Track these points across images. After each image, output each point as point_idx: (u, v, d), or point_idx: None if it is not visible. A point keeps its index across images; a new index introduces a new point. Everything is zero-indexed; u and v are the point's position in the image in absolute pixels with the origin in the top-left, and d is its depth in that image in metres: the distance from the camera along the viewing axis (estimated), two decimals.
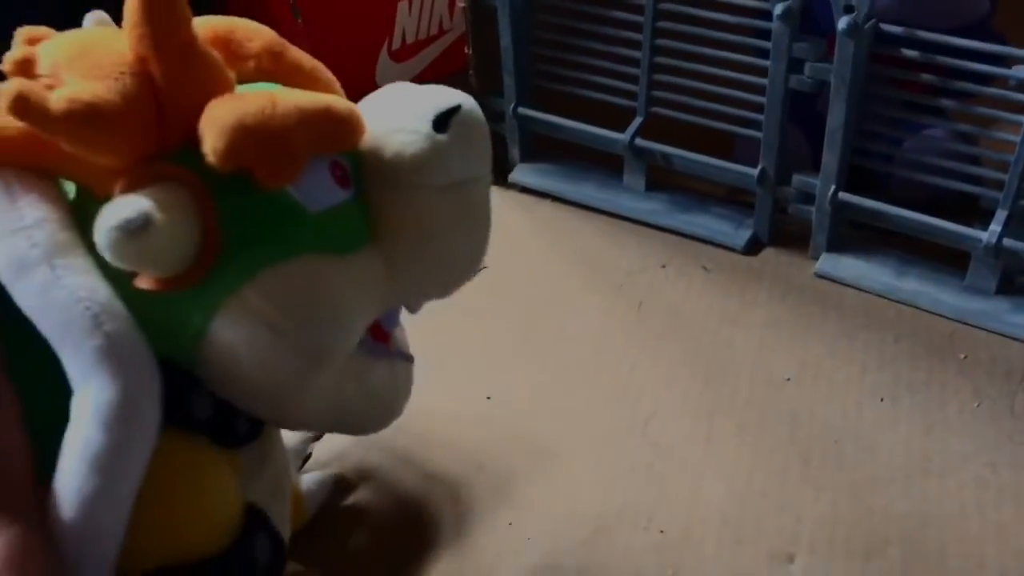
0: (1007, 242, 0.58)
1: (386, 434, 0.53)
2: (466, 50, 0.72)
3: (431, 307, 0.62)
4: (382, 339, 0.38)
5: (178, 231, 0.30)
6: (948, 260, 0.63)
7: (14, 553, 0.29)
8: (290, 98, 0.31)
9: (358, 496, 0.52)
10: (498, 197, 0.73)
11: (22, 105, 0.28)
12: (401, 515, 0.50)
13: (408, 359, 0.40)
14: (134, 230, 0.28)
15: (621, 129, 0.69)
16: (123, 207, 0.28)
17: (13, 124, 0.30)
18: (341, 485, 0.52)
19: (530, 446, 0.54)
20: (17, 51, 0.30)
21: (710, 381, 0.57)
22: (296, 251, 0.32)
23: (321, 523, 0.50)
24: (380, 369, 0.38)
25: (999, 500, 0.50)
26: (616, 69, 0.68)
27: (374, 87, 0.88)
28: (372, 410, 0.38)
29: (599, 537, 0.49)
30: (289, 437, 0.50)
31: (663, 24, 0.65)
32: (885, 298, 0.62)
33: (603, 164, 0.72)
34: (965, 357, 0.58)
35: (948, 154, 0.61)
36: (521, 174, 0.74)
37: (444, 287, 0.37)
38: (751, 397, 0.56)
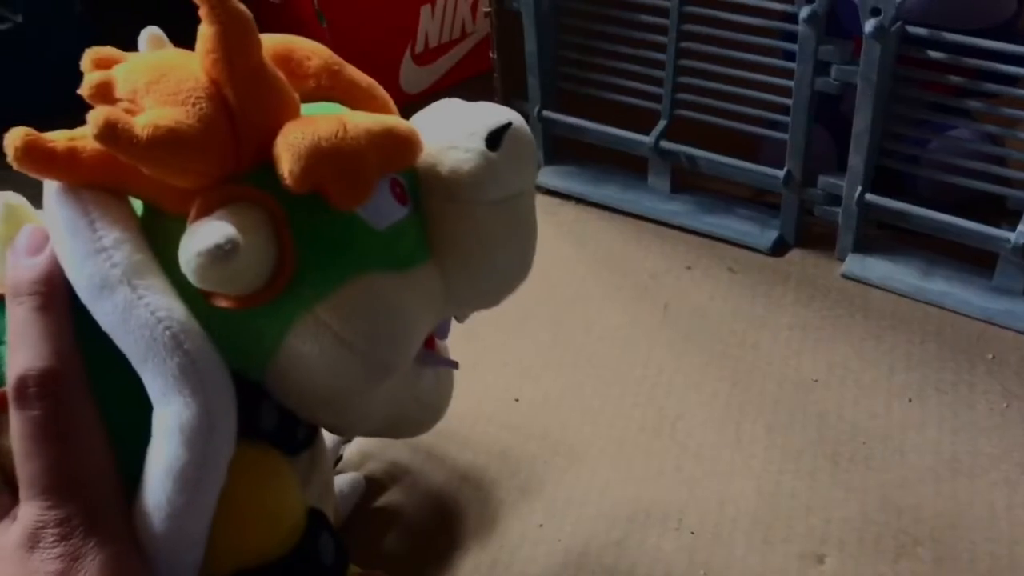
0: None
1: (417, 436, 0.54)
2: (491, 54, 0.72)
3: None
4: (430, 346, 0.39)
5: (258, 252, 0.30)
6: (975, 261, 0.63)
7: (114, 572, 0.30)
8: (359, 120, 0.32)
9: (389, 498, 0.52)
10: None
11: (111, 132, 0.29)
12: (432, 516, 0.51)
13: (453, 365, 0.41)
14: (222, 255, 0.29)
15: (646, 131, 0.69)
16: (211, 233, 0.29)
17: (89, 144, 0.31)
18: (372, 487, 0.52)
19: (559, 448, 0.54)
20: (96, 75, 0.31)
21: (737, 383, 0.58)
22: (364, 269, 0.33)
23: (353, 525, 0.50)
24: (428, 375, 0.39)
25: None
26: (641, 72, 0.68)
27: (398, 91, 0.89)
28: (420, 415, 0.40)
29: (630, 538, 0.49)
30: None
31: (688, 27, 0.65)
32: (912, 299, 0.63)
33: (627, 166, 0.73)
34: (993, 357, 0.58)
35: (974, 155, 0.61)
36: (545, 177, 0.74)
37: (496, 297, 0.38)
38: (779, 399, 0.57)
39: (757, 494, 0.51)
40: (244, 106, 0.31)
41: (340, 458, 0.54)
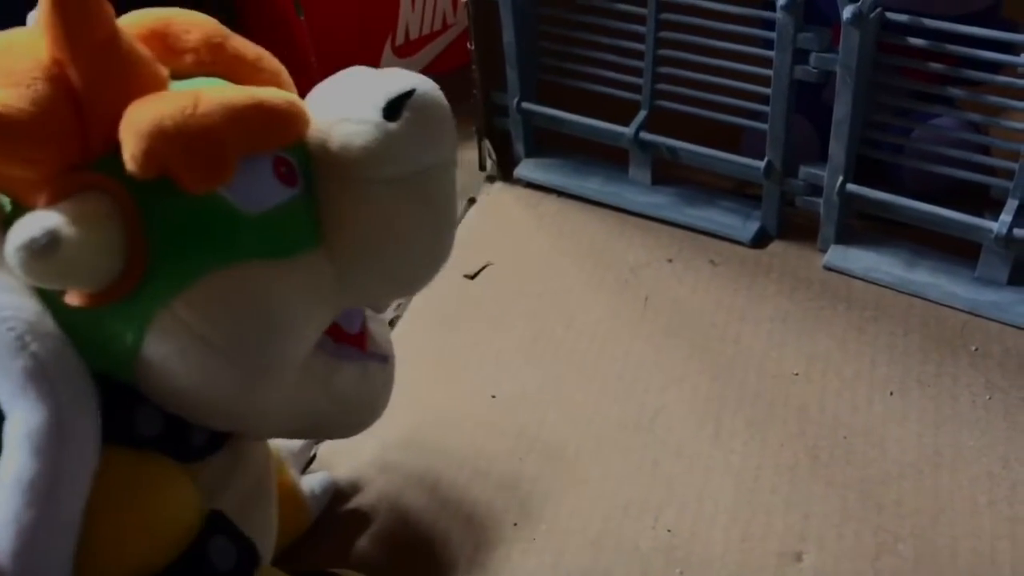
0: (1018, 232, 0.57)
1: (389, 434, 0.53)
2: (469, 45, 0.71)
3: (432, 303, 0.62)
4: (349, 341, 0.36)
5: (97, 243, 0.28)
6: (958, 251, 0.62)
7: None
8: (216, 95, 0.29)
9: (361, 498, 0.51)
10: (503, 192, 0.74)
11: None
12: (405, 517, 0.50)
13: (382, 359, 0.38)
14: (39, 249, 0.27)
15: (626, 123, 0.68)
16: (29, 225, 0.27)
17: None
18: (345, 487, 0.51)
19: (536, 444, 0.54)
20: None
21: (718, 376, 0.57)
22: (232, 258, 0.30)
23: (325, 527, 0.49)
24: (348, 371, 0.36)
25: (1011, 495, 0.49)
26: (620, 62, 0.67)
27: None
28: (346, 415, 0.37)
29: (607, 537, 0.48)
30: (292, 440, 0.50)
31: (666, 16, 0.64)
32: (895, 290, 0.62)
33: (608, 158, 0.72)
34: (976, 349, 0.57)
35: (957, 143, 0.60)
36: (526, 169, 0.73)
37: (406, 285, 0.35)
38: (759, 392, 0.56)
39: (736, 490, 0.50)
40: (90, 86, 0.28)
41: (313, 458, 0.53)
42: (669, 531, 0.48)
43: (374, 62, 0.85)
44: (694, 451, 0.52)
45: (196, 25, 0.33)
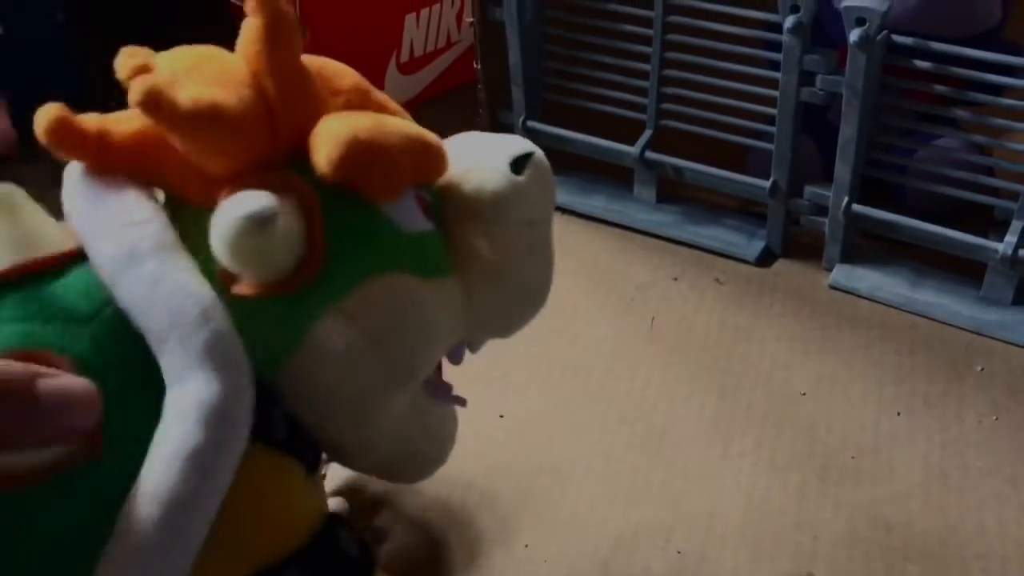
0: (1023, 253, 0.57)
1: None
2: (475, 64, 0.72)
3: None
4: (441, 381, 0.39)
5: (290, 234, 0.30)
6: (963, 271, 0.62)
7: None
8: (395, 123, 0.32)
9: (372, 517, 0.51)
10: None
11: (154, 100, 0.29)
12: (415, 538, 0.50)
13: (461, 403, 0.41)
14: (260, 222, 0.29)
15: (631, 142, 0.68)
16: (250, 200, 0.29)
17: (119, 129, 0.31)
18: (355, 509, 0.51)
19: (545, 465, 0.54)
20: (135, 58, 0.30)
21: (725, 397, 0.57)
22: (392, 267, 0.33)
23: None
24: (438, 409, 0.38)
25: (1019, 516, 0.49)
26: (625, 82, 0.68)
27: None
28: (428, 448, 0.38)
29: (616, 558, 0.48)
30: None
31: (672, 37, 0.65)
32: (900, 309, 0.62)
33: (613, 177, 0.72)
34: (982, 369, 0.58)
35: (961, 165, 0.60)
36: None
37: (512, 323, 0.38)
38: (767, 412, 0.56)
39: (745, 511, 0.50)
40: (282, 100, 0.31)
41: (324, 477, 0.53)
42: (679, 552, 0.48)
43: (378, 79, 0.86)
44: (703, 472, 0.53)
45: (347, 73, 0.35)
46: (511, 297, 0.36)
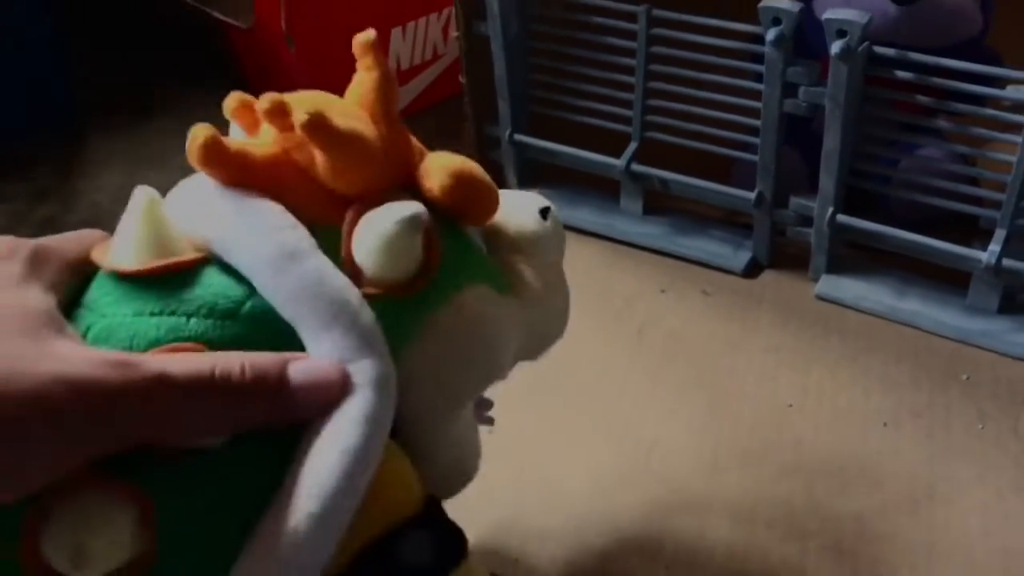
0: (1007, 262, 0.58)
1: None
2: (460, 78, 0.72)
3: None
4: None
5: (418, 242, 0.34)
6: (949, 280, 0.62)
7: None
8: (472, 164, 0.37)
9: None
10: None
11: (320, 121, 0.33)
12: None
13: (489, 422, 0.46)
14: (417, 223, 0.33)
15: (617, 154, 0.69)
16: (405, 207, 0.33)
17: (257, 151, 0.34)
18: None
19: (533, 478, 0.54)
20: (270, 97, 0.34)
21: (713, 409, 0.57)
22: (480, 279, 0.37)
23: None
24: (477, 429, 0.43)
25: (1005, 526, 0.49)
26: (611, 95, 0.68)
27: None
28: (472, 465, 0.42)
29: (605, 572, 0.48)
30: None
31: (657, 49, 0.65)
32: (886, 319, 0.62)
33: (600, 189, 0.72)
34: (968, 378, 0.58)
35: (945, 174, 0.60)
36: None
37: (544, 346, 0.43)
38: (754, 424, 0.56)
39: (732, 525, 0.50)
40: (391, 138, 0.36)
41: None
42: (667, 568, 0.49)
43: None
44: (690, 486, 0.53)
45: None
46: (548, 321, 0.41)
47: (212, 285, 0.33)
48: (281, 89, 0.39)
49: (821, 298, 0.64)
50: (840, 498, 0.51)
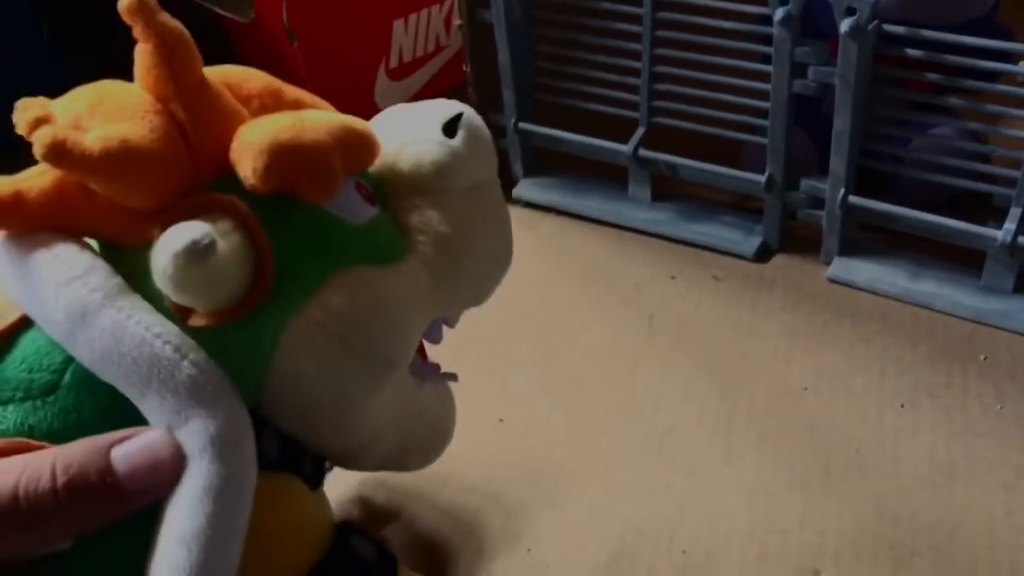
0: (1023, 240, 0.57)
1: None
2: (464, 67, 0.71)
3: None
4: (425, 358, 0.38)
5: (234, 257, 0.29)
6: (963, 260, 0.61)
7: None
8: (315, 117, 0.31)
9: (371, 525, 0.51)
10: None
11: (59, 150, 0.28)
12: (413, 546, 0.50)
13: (451, 378, 0.40)
14: (201, 251, 0.28)
15: (624, 140, 0.68)
16: (185, 231, 0.28)
17: (35, 186, 0.30)
18: (351, 521, 0.51)
19: (545, 469, 0.53)
20: (31, 110, 0.29)
21: (726, 394, 0.56)
22: (347, 263, 0.32)
23: None
24: (429, 390, 0.38)
25: None
26: (616, 80, 0.67)
27: (374, 107, 0.88)
28: (428, 434, 0.38)
29: (620, 561, 0.48)
30: None
31: (662, 33, 0.64)
32: (900, 301, 0.61)
33: (607, 176, 0.72)
34: (985, 358, 0.57)
35: (957, 153, 0.60)
36: (524, 189, 0.73)
37: (482, 290, 0.38)
38: (769, 409, 0.55)
39: (750, 509, 0.50)
40: (194, 119, 0.30)
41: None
42: (684, 552, 0.48)
43: (368, 86, 0.85)
44: (706, 471, 0.52)
45: (253, 76, 0.35)
46: (473, 264, 0.36)
47: (27, 358, 0.29)
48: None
49: (834, 281, 0.64)
50: (858, 480, 0.51)
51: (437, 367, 0.40)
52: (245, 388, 0.31)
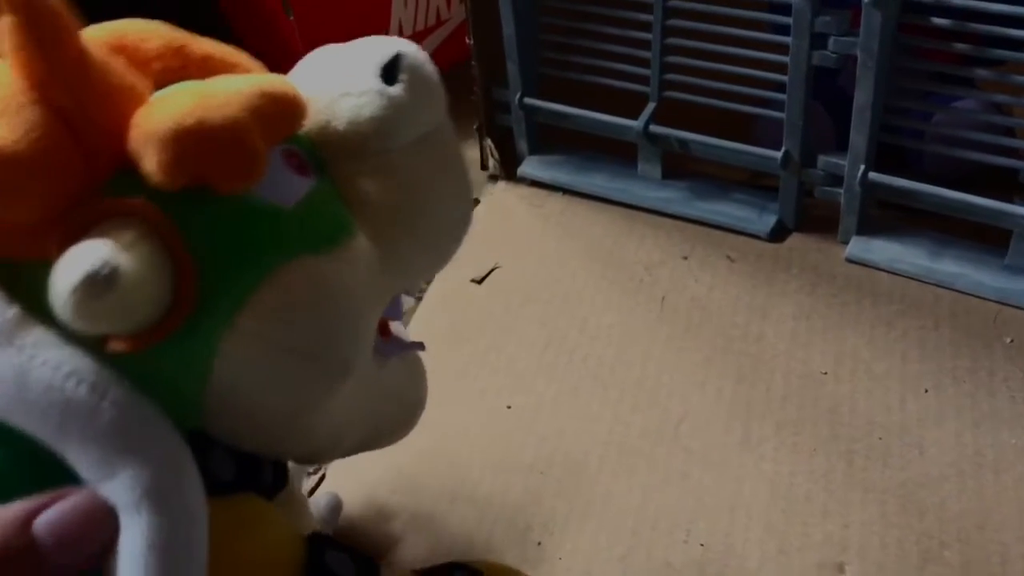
0: None
1: (402, 450, 0.50)
2: (467, 40, 0.69)
3: (440, 311, 0.59)
4: (385, 333, 0.34)
5: (147, 272, 0.25)
6: (987, 239, 0.59)
7: None
8: (223, 88, 0.27)
9: (377, 520, 0.49)
10: (507, 192, 0.71)
11: None
12: (421, 538, 0.48)
13: (418, 347, 0.36)
14: (101, 282, 0.23)
15: (634, 116, 0.65)
16: (79, 260, 0.23)
17: None
18: (360, 509, 0.49)
19: (555, 457, 0.51)
20: None
21: (742, 379, 0.54)
22: (283, 257, 0.27)
23: None
24: (394, 367, 0.34)
25: None
26: (626, 53, 0.65)
27: None
28: (398, 412, 0.36)
29: (635, 553, 0.46)
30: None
31: (673, 3, 0.61)
32: (922, 281, 0.59)
33: (616, 153, 0.69)
34: (1011, 341, 0.55)
35: (982, 127, 0.57)
36: (530, 167, 0.70)
37: (441, 253, 0.33)
38: (787, 394, 0.53)
39: (769, 499, 0.48)
40: (78, 104, 0.25)
41: (323, 478, 0.51)
42: (702, 545, 0.46)
43: None
44: (723, 459, 0.50)
45: (152, 32, 0.30)
46: (430, 228, 0.32)
47: None
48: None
49: (852, 261, 0.61)
50: (882, 469, 0.49)
51: (401, 340, 0.36)
52: (184, 412, 0.27)
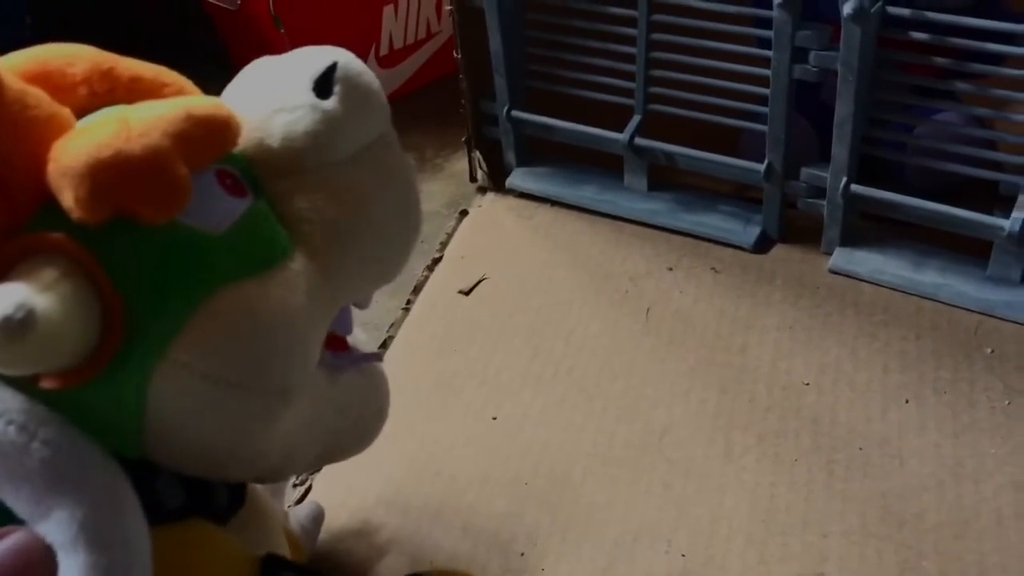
0: None
1: (388, 462, 0.51)
2: (455, 54, 0.69)
3: (427, 322, 0.59)
4: (340, 348, 0.34)
5: (71, 309, 0.24)
6: (968, 250, 0.60)
7: None
8: (144, 113, 0.26)
9: (362, 531, 0.49)
10: (495, 203, 0.71)
11: None
12: (408, 550, 0.48)
13: (375, 358, 0.36)
14: (15, 328, 0.23)
15: (619, 128, 0.66)
16: None
17: None
18: (345, 520, 0.49)
19: (540, 468, 0.51)
20: None
21: (725, 390, 0.55)
22: (215, 285, 0.27)
23: (327, 562, 0.47)
24: (348, 378, 0.34)
25: None
26: (611, 66, 0.65)
27: None
28: (357, 425, 0.35)
29: (617, 564, 0.46)
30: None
31: (658, 17, 0.62)
32: (904, 292, 0.60)
33: (603, 165, 0.70)
34: (992, 352, 0.55)
35: (963, 139, 0.58)
36: (518, 179, 0.71)
37: (388, 266, 0.33)
38: (769, 405, 0.54)
39: (751, 510, 0.48)
40: None
41: (309, 489, 0.51)
42: (683, 556, 0.46)
43: None
44: (705, 470, 0.50)
45: (77, 56, 0.29)
46: (375, 241, 0.31)
47: None
48: None
49: (835, 272, 0.62)
50: (862, 479, 0.49)
51: (354, 353, 0.35)
52: (123, 443, 0.27)
